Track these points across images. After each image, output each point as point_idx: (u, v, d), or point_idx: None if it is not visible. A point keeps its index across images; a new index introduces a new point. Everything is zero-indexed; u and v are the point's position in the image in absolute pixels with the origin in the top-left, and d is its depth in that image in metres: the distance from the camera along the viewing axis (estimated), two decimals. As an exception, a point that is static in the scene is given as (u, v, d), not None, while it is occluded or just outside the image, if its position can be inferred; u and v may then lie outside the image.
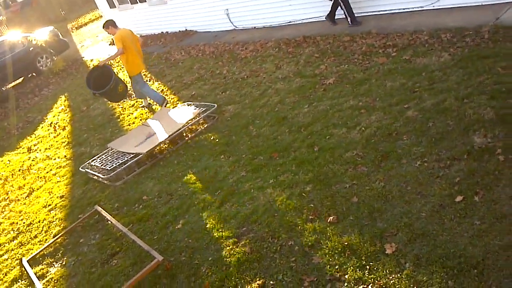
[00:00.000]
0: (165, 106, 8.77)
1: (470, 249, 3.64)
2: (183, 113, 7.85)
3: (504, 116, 4.93)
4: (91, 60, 15.76)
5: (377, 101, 6.28)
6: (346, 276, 3.85)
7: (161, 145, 7.29)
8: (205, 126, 7.52)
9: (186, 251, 4.93)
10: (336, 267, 3.97)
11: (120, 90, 8.79)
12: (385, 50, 7.72)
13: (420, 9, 8.73)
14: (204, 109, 7.80)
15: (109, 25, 8.77)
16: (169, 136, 7.26)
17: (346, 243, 4.16)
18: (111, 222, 5.83)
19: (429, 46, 7.24)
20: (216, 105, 7.88)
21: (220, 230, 5.02)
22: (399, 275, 3.67)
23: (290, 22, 11.02)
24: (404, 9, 8.97)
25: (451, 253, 3.66)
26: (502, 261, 3.44)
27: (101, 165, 7.27)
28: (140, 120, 8.87)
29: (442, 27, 7.70)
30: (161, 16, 14.63)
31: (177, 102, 8.99)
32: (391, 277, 3.68)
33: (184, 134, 7.49)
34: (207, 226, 5.16)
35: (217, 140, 6.97)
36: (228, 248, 4.72)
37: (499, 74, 5.73)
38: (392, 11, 9.14)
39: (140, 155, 7.04)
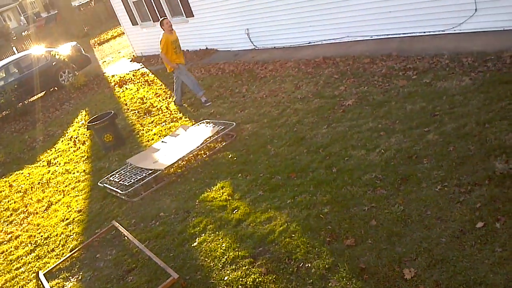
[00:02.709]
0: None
1: (491, 276, 3.57)
2: (202, 131, 7.89)
3: (527, 142, 4.87)
4: (112, 76, 15.95)
5: (397, 123, 6.25)
6: (364, 301, 3.80)
7: (179, 162, 7.32)
8: (223, 144, 7.55)
9: (202, 270, 4.92)
10: (354, 291, 3.93)
11: (106, 140, 9.02)
12: (406, 72, 7.71)
13: (441, 32, 8.72)
14: (222, 127, 7.83)
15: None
16: (187, 154, 7.29)
17: (363, 267, 4.11)
18: (128, 238, 5.85)
19: (450, 70, 7.22)
20: (234, 123, 7.91)
21: (236, 249, 5.00)
22: (418, 301, 3.61)
23: (310, 42, 11.08)
24: (425, 32, 8.96)
25: (471, 280, 3.60)
26: (525, 291, 3.37)
27: (119, 181, 7.32)
28: (159, 136, 8.94)
29: (464, 51, 7.68)
30: (183, 34, 14.70)
31: (196, 119, 9.05)
32: (409, 303, 3.63)
33: (203, 152, 7.52)
34: (223, 245, 5.15)
35: (235, 158, 6.98)
36: (244, 268, 4.69)
37: (521, 99, 5.69)
38: (414, 34, 9.14)
39: (158, 172, 7.08)
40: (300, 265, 4.43)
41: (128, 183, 7.10)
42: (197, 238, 5.46)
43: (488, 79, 6.55)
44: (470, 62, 7.24)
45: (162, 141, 8.21)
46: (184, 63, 9.89)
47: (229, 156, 7.11)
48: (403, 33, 9.29)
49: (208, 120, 8.45)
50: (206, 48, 14.30)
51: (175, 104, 10.30)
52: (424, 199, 4.65)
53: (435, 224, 4.29)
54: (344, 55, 9.54)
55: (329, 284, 4.09)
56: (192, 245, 5.37)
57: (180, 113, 9.84)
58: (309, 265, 4.39)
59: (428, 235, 4.18)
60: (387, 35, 9.57)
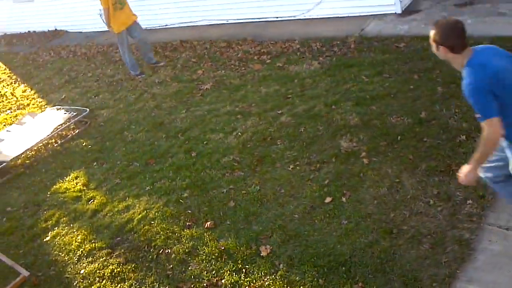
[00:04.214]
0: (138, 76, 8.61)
1: (339, 247, 3.85)
2: (52, 118, 7.40)
3: (368, 122, 5.30)
4: None
5: (252, 106, 6.42)
6: (223, 281, 3.88)
7: (28, 152, 6.79)
8: (76, 131, 7.16)
9: (56, 265, 4.65)
10: (213, 272, 3.99)
11: None
12: (260, 57, 7.93)
13: (293, 18, 9.10)
14: (75, 113, 7.42)
15: None
16: (36, 143, 6.79)
17: (222, 248, 4.19)
18: (-31, 237, 5.31)
19: (300, 54, 7.58)
20: (88, 109, 7.53)
21: (92, 241, 4.80)
22: (273, 276, 3.78)
23: (166, 25, 10.89)
24: (278, 17, 9.28)
25: (321, 252, 3.85)
26: (367, 258, 3.69)
27: (-42, 175, 6.58)
28: (4, 125, 8.19)
29: (313, 36, 8.10)
30: (28, 14, 13.67)
31: (46, 106, 8.46)
32: (266, 279, 3.78)
33: (53, 141, 7.06)
34: (78, 238, 4.91)
35: (90, 146, 6.66)
36: (101, 259, 4.52)
37: (363, 82, 6.17)
38: (268, 19, 9.41)
39: (4, 164, 6.50)
40: (160, 252, 4.39)
41: (-32, 177, 6.42)
42: (50, 232, 5.14)
43: (334, 63, 6.99)
44: (319, 47, 7.67)
45: (7, 130, 7.55)
46: (131, 23, 8.44)
47: (83, 144, 6.76)
48: (257, 18, 9.53)
49: (59, 106, 7.95)
50: (55, 29, 13.38)
51: (135, 75, 8.71)
52: (278, 179, 4.86)
53: (289, 201, 4.51)
54: (201, 38, 9.55)
55: (189, 268, 4.11)
56: (44, 240, 5.05)
57: (27, 99, 9.11)
58: (169, 250, 4.37)
59: (282, 213, 4.39)
60: (243, 19, 9.74)
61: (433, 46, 3.05)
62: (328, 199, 4.37)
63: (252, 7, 9.52)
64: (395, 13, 8.06)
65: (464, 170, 3.13)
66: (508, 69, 2.91)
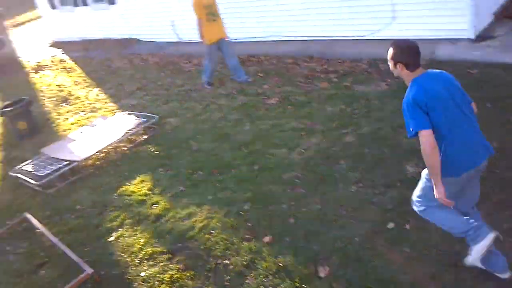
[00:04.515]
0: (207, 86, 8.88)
1: (401, 276, 3.78)
2: (123, 123, 7.71)
3: (435, 148, 5.19)
4: (28, 61, 15.10)
5: (317, 124, 6.45)
6: (280, 297, 3.90)
7: (98, 154, 7.11)
8: (145, 137, 7.42)
9: (118, 265, 4.81)
10: (270, 288, 4.01)
11: (20, 128, 8.57)
12: (327, 75, 7.96)
13: (361, 38, 9.07)
14: (144, 120, 7.70)
15: None
16: (106, 145, 7.10)
17: (280, 264, 4.21)
18: (41, 230, 5.60)
19: (368, 75, 7.55)
20: (157, 116, 7.80)
21: (154, 245, 4.94)
22: (331, 298, 3.76)
23: (236, 39, 11.10)
24: (346, 36, 9.28)
25: (382, 279, 3.79)
26: (430, 289, 3.60)
27: (33, 171, 6.96)
28: (77, 126, 8.61)
29: (381, 57, 7.96)
30: (104, 22, 14.34)
31: (117, 111, 8.82)
32: (323, 300, 3.76)
33: (123, 144, 7.35)
34: (141, 241, 5.07)
35: (157, 152, 6.89)
36: (161, 264, 4.64)
37: (432, 107, 6.05)
38: (335, 38, 9.43)
39: (75, 163, 6.83)
40: (219, 262, 4.46)
41: (42, 173, 6.78)
42: (114, 233, 5.33)
43: (403, 85, 6.80)
44: (387, 68, 7.56)
45: (80, 131, 7.93)
46: (222, 36, 8.56)
47: (150, 150, 7.00)
48: (325, 36, 9.57)
49: (130, 112, 8.27)
50: (129, 37, 13.94)
51: (204, 83, 8.96)
52: (340, 199, 4.84)
53: (350, 223, 4.48)
54: (268, 54, 9.70)
55: (246, 281, 4.15)
56: (109, 240, 5.24)
57: (99, 103, 9.54)
58: (228, 262, 4.43)
59: (342, 234, 4.36)
60: (310, 37, 9.81)
61: (391, 63, 3.40)
62: (391, 225, 4.31)
63: (320, 25, 9.58)
64: (468, 38, 7.89)
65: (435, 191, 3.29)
66: (441, 96, 3.19)
